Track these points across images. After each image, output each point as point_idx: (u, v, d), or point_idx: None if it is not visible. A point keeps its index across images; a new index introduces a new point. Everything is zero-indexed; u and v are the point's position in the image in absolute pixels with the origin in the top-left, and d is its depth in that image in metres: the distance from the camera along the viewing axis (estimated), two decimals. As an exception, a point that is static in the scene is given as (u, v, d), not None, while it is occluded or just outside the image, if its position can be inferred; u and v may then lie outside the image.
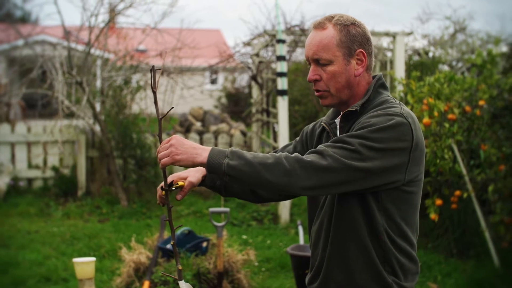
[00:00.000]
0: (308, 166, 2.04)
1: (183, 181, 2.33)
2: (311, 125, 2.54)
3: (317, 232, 2.35)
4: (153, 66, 2.11)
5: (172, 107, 2.18)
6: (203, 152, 2.10)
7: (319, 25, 2.27)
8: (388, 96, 2.30)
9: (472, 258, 6.39)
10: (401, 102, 2.26)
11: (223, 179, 2.12)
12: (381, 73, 2.43)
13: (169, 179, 2.29)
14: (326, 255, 2.28)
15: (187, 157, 2.10)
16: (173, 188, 2.28)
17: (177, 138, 2.13)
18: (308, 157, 2.07)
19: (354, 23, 2.27)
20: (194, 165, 2.10)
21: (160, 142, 2.16)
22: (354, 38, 2.25)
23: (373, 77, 2.35)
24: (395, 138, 2.09)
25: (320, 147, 2.12)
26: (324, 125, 2.40)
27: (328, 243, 2.27)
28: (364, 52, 2.27)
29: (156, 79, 2.13)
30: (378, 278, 2.19)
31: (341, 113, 2.33)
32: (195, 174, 2.37)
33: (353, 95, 2.29)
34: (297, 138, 2.56)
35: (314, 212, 2.40)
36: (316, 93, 2.33)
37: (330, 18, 2.28)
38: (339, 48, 2.23)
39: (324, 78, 2.26)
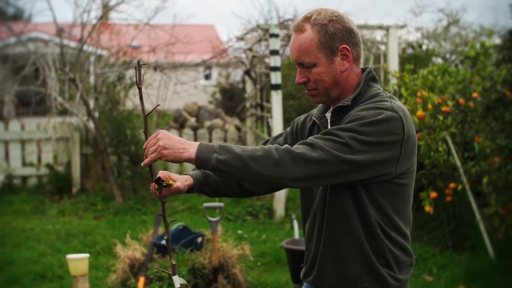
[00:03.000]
0: (298, 157, 2.04)
1: (172, 182, 2.32)
2: (302, 117, 2.53)
3: (310, 226, 2.35)
4: (138, 61, 2.10)
5: (158, 105, 2.16)
6: (190, 147, 2.09)
7: (298, 28, 2.26)
8: (379, 89, 2.29)
9: (467, 250, 6.40)
10: (392, 95, 2.25)
11: (213, 174, 2.11)
12: (371, 66, 2.42)
13: (160, 174, 2.29)
14: (319, 248, 2.28)
15: (174, 152, 2.08)
16: (164, 184, 2.28)
17: (164, 132, 2.11)
18: (298, 148, 2.07)
19: (332, 20, 2.23)
20: (181, 160, 2.09)
21: (146, 139, 2.15)
22: (334, 36, 2.22)
23: (363, 69, 2.33)
24: (385, 132, 2.09)
25: (310, 139, 2.11)
26: (315, 119, 2.39)
27: (321, 237, 2.27)
28: (347, 46, 2.24)
29: (142, 75, 2.11)
30: (372, 270, 2.19)
31: (332, 108, 2.33)
32: (183, 182, 2.37)
33: (343, 90, 2.29)
34: (288, 129, 2.55)
35: (307, 207, 2.40)
36: (306, 92, 2.34)
37: (308, 18, 2.26)
38: (320, 49, 2.22)
39: (311, 79, 2.27)
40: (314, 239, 2.31)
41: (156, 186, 2.26)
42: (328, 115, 2.34)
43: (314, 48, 2.22)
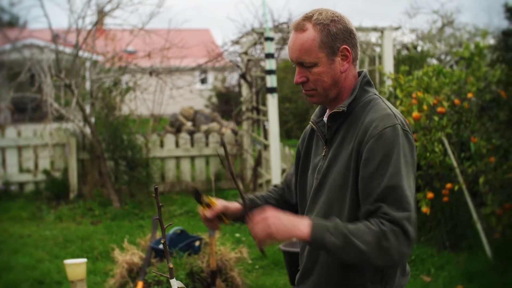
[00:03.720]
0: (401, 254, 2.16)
1: (214, 202, 2.33)
2: (302, 134, 2.52)
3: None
4: None
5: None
6: (303, 227, 2.02)
7: (299, 27, 2.22)
8: (375, 94, 2.26)
9: (465, 250, 6.40)
10: (387, 101, 2.24)
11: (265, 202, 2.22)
12: (365, 70, 2.40)
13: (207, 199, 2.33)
14: (314, 256, 2.25)
15: (284, 233, 2.03)
16: (207, 202, 2.29)
17: (273, 214, 2.05)
18: (402, 247, 2.19)
19: (334, 20, 2.21)
20: (292, 238, 2.07)
21: (229, 167, 2.17)
22: (335, 36, 2.19)
23: (359, 73, 2.31)
24: (413, 154, 2.15)
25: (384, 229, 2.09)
26: (312, 124, 2.38)
27: (316, 250, 2.25)
28: (347, 47, 2.21)
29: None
30: (367, 280, 2.16)
31: (328, 112, 2.31)
32: (230, 204, 2.39)
33: (341, 90, 2.26)
34: (295, 161, 2.54)
35: (302, 210, 2.39)
36: (304, 92, 2.31)
37: (309, 17, 2.22)
38: (322, 49, 2.19)
39: (311, 79, 2.23)
40: (307, 249, 2.30)
41: (203, 208, 2.28)
42: (325, 119, 2.32)
43: (316, 48, 2.18)
